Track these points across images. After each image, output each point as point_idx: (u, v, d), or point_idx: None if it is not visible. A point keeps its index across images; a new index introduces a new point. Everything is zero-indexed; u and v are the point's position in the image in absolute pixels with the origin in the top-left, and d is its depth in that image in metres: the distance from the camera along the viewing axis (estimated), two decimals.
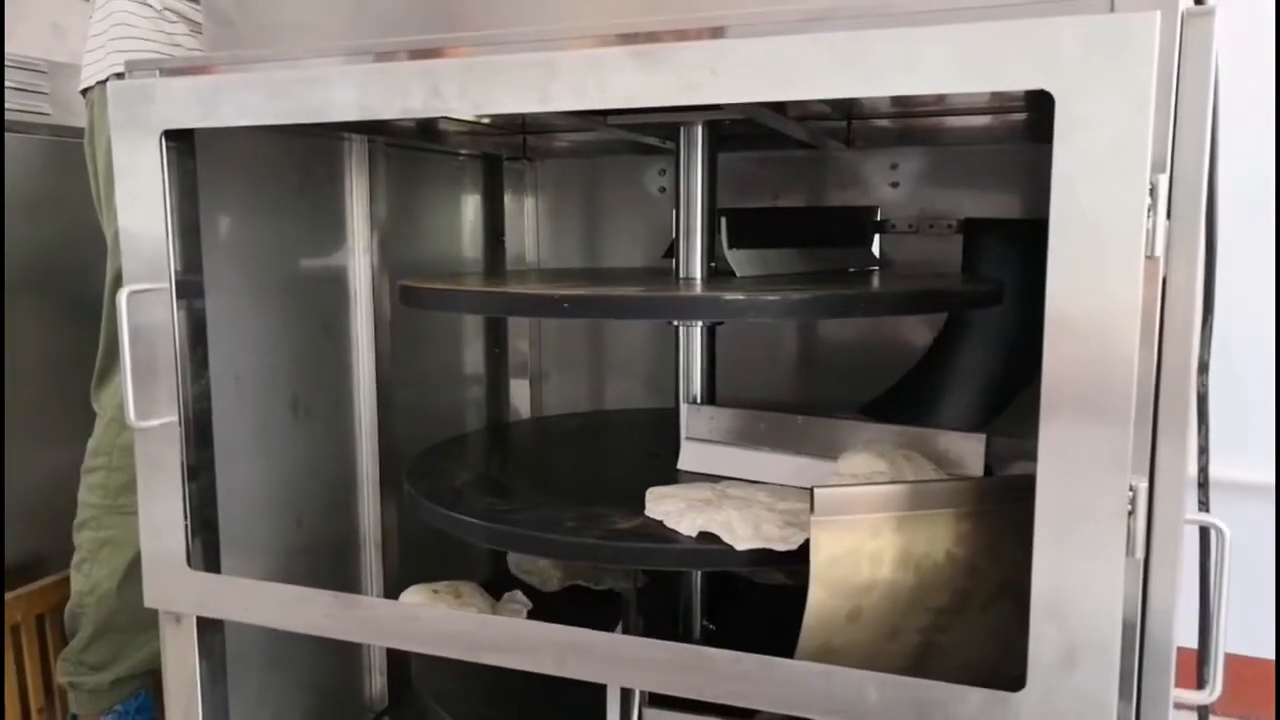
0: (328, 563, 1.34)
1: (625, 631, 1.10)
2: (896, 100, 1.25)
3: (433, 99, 0.87)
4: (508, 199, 1.69)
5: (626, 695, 0.93)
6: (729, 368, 1.26)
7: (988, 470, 1.05)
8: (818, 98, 0.78)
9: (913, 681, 0.79)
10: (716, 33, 0.80)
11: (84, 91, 1.43)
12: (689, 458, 1.16)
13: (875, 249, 1.46)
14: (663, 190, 1.60)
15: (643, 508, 1.00)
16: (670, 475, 1.13)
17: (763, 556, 0.90)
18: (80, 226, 1.54)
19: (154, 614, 1.09)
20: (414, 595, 1.17)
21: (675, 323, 1.21)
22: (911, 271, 1.42)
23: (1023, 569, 0.74)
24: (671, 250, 1.23)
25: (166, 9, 1.35)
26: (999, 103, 1.25)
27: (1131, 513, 0.72)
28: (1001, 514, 0.86)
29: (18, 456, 1.65)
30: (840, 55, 0.75)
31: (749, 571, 1.34)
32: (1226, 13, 0.71)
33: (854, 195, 1.49)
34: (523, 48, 0.85)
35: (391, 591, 1.40)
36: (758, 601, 1.35)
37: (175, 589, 1.05)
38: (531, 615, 1.24)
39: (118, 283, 1.01)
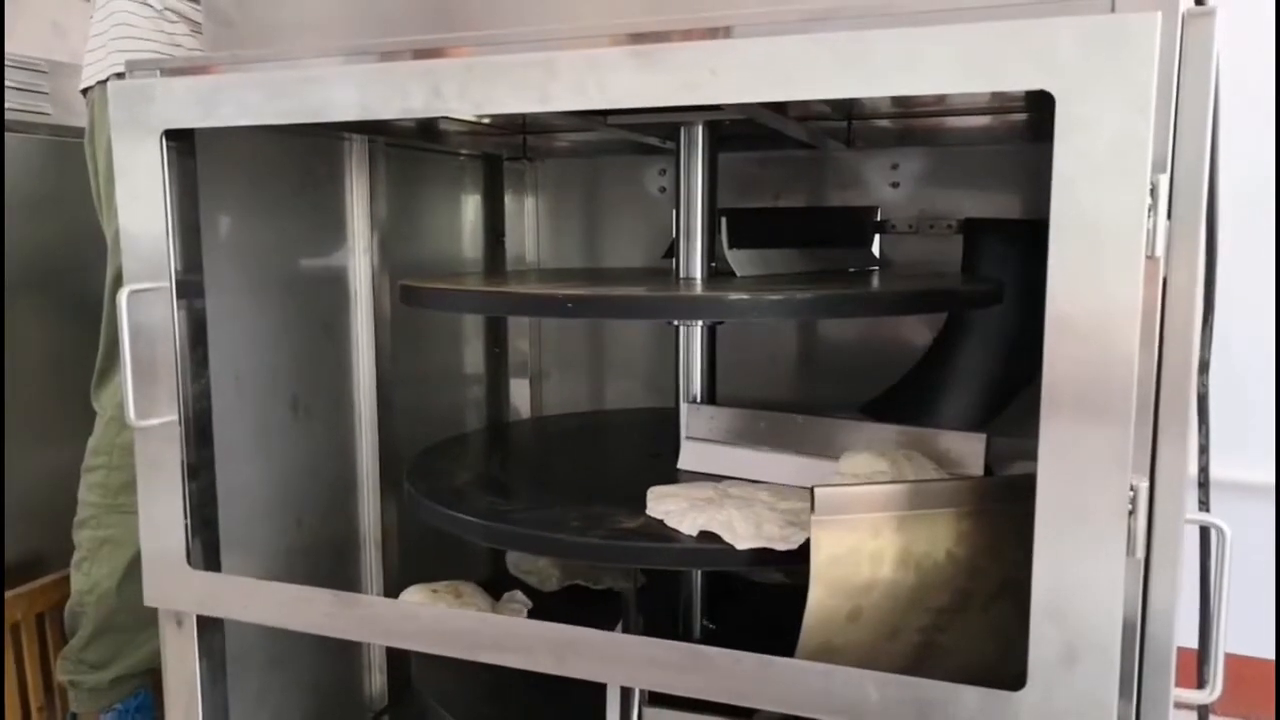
0: (328, 562, 1.34)
1: (625, 630, 1.10)
2: (897, 100, 1.25)
3: (433, 99, 0.87)
4: (508, 199, 1.69)
5: (626, 694, 0.93)
6: (729, 367, 1.26)
7: (988, 470, 1.05)
8: (818, 98, 0.77)
9: (913, 681, 0.79)
10: (717, 33, 0.80)
11: (84, 91, 1.43)
12: (689, 457, 1.16)
13: (875, 249, 1.46)
14: (663, 190, 1.60)
15: (644, 507, 1.00)
16: (670, 475, 1.13)
17: (764, 556, 0.90)
18: (80, 226, 1.54)
19: (154, 613, 1.09)
20: (414, 595, 1.17)
21: (675, 322, 1.21)
22: (911, 271, 1.42)
23: (1023, 568, 0.74)
24: (672, 250, 1.23)
25: (167, 9, 1.35)
26: (999, 103, 1.25)
27: (1132, 512, 0.72)
28: (1002, 513, 0.86)
29: (18, 456, 1.65)
30: (841, 55, 0.75)
31: (749, 571, 1.34)
32: (1227, 13, 0.71)
33: (854, 195, 1.49)
34: (523, 47, 0.85)
35: (391, 591, 1.40)
36: (758, 601, 1.35)
37: (175, 588, 1.05)
38: (531, 615, 1.24)
39: (118, 282, 1.01)
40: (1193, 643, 0.95)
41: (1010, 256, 1.33)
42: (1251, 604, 1.65)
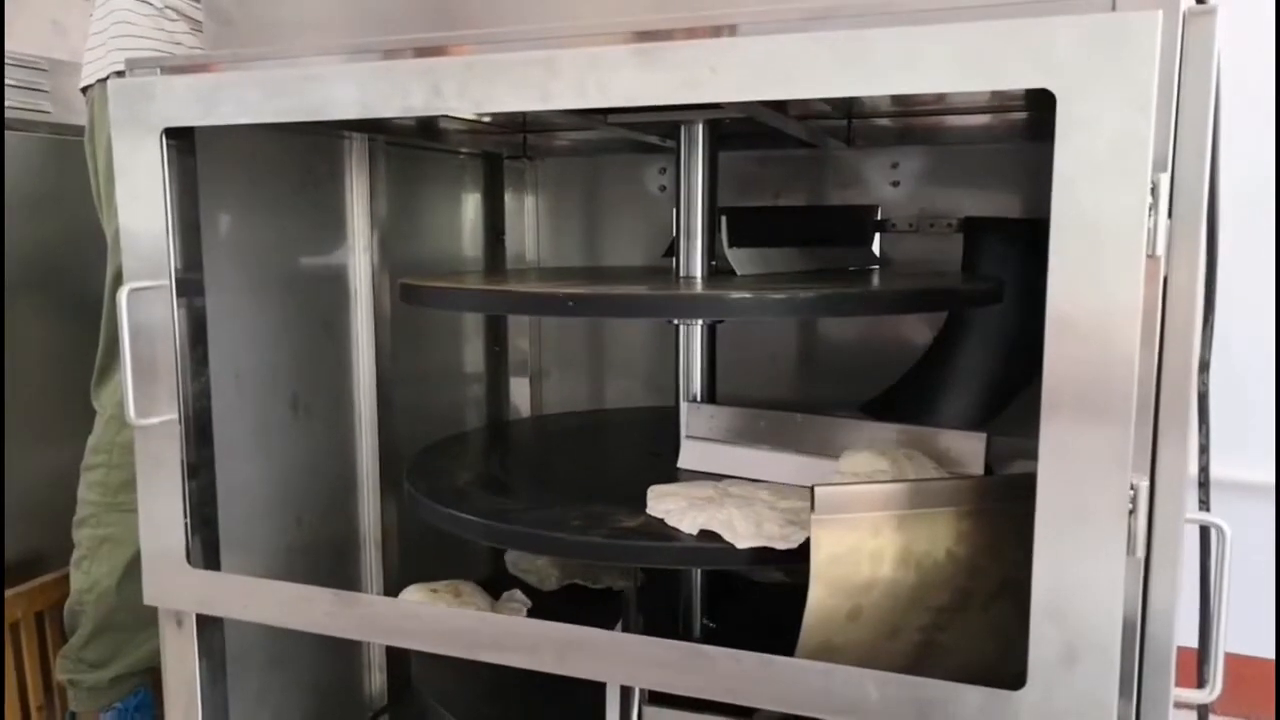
0: (327, 561, 1.34)
1: (625, 629, 1.10)
2: (897, 99, 1.25)
3: (433, 97, 0.87)
4: (508, 197, 1.69)
5: (626, 693, 0.93)
6: (729, 366, 1.26)
7: (988, 469, 1.05)
8: (819, 96, 0.77)
9: (913, 680, 0.79)
10: (717, 31, 0.79)
11: (84, 89, 1.43)
12: (689, 456, 1.16)
13: (875, 248, 1.46)
14: (663, 189, 1.60)
15: (645, 506, 1.00)
16: (670, 474, 1.13)
17: (764, 555, 0.90)
18: (80, 224, 1.54)
19: (153, 611, 1.09)
20: (413, 594, 1.17)
21: (676, 321, 1.21)
22: (911, 270, 1.42)
23: (1023, 568, 0.74)
24: (672, 249, 1.23)
25: (167, 7, 1.35)
26: (999, 102, 1.24)
27: (1132, 512, 0.72)
28: (1002, 513, 0.86)
29: (18, 454, 1.65)
30: (841, 54, 0.75)
31: (748, 570, 1.34)
32: (1227, 12, 0.71)
33: (854, 194, 1.49)
34: (523, 46, 0.85)
35: (391, 590, 1.40)
36: (758, 600, 1.35)
37: (175, 587, 1.05)
38: (530, 614, 1.24)
39: (118, 280, 1.01)
40: (1193, 642, 0.95)
41: (1010, 255, 1.33)
42: (1251, 604, 1.65)
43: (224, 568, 1.09)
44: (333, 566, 1.35)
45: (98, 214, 1.44)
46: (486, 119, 1.40)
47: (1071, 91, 0.69)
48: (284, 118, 0.93)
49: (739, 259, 1.12)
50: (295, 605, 1.02)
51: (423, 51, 0.89)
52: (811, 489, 0.84)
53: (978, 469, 1.05)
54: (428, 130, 1.45)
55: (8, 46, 1.72)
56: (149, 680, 1.52)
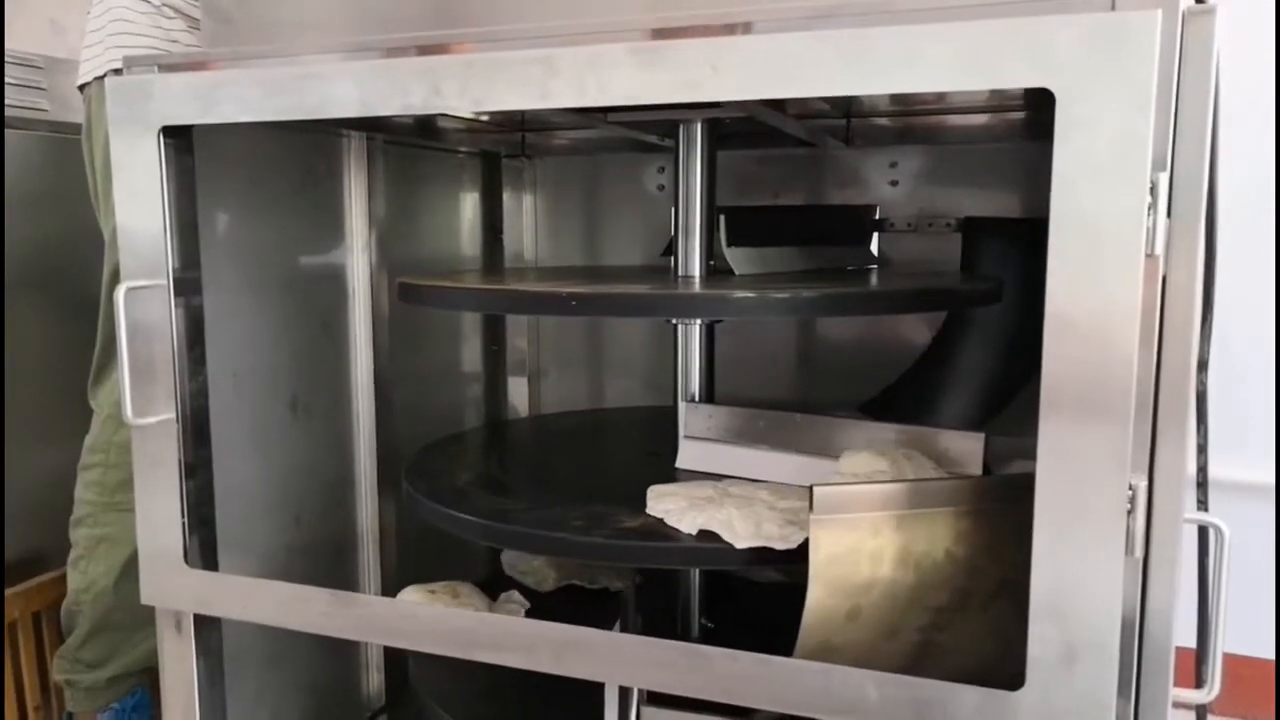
0: (326, 561, 1.34)
1: (623, 630, 1.10)
2: (896, 98, 1.25)
3: (433, 96, 0.87)
4: (506, 196, 1.68)
5: (625, 694, 0.93)
6: (727, 366, 1.26)
7: (986, 469, 1.05)
8: (818, 95, 0.77)
9: (911, 680, 0.79)
10: (717, 30, 0.79)
11: (82, 87, 1.43)
12: (688, 456, 1.16)
13: (874, 247, 1.46)
14: (661, 188, 1.60)
15: (644, 506, 0.99)
16: (669, 474, 1.12)
17: (763, 555, 0.90)
18: (79, 223, 1.54)
19: (151, 611, 1.09)
20: (411, 596, 1.17)
21: (674, 321, 1.21)
22: (910, 270, 1.42)
23: (1022, 568, 0.74)
24: (670, 248, 1.23)
25: (165, 4, 1.35)
26: (998, 101, 1.24)
27: (1131, 512, 0.72)
28: (1001, 513, 0.86)
29: (16, 454, 1.65)
30: (841, 53, 0.74)
31: (747, 570, 1.34)
32: (1227, 12, 0.71)
33: (853, 193, 1.49)
34: (523, 44, 0.84)
35: (389, 590, 1.40)
36: (757, 599, 1.35)
37: (172, 587, 1.05)
38: (528, 615, 1.24)
39: (115, 279, 1.01)
40: (1191, 642, 0.95)
41: (1009, 255, 1.33)
42: (1250, 604, 1.65)
43: (222, 568, 1.09)
44: (331, 566, 1.35)
45: (95, 212, 1.44)
46: (485, 118, 1.40)
47: (1071, 91, 0.69)
48: (282, 116, 0.93)
49: (737, 258, 1.12)
50: (293, 605, 1.01)
51: (422, 50, 0.89)
52: (810, 489, 0.83)
53: (976, 469, 1.05)
54: (426, 129, 1.45)
55: (6, 45, 1.71)
56: (146, 680, 1.52)
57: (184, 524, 1.03)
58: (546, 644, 0.90)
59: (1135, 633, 0.75)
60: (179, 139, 1.00)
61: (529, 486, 1.19)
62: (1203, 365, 0.97)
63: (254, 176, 1.19)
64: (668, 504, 0.98)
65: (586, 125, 1.34)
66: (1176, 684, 0.77)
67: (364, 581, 1.41)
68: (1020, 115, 1.30)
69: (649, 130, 1.29)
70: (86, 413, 1.48)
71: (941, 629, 0.87)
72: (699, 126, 1.15)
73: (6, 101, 1.67)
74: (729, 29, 0.79)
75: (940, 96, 1.22)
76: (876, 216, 1.46)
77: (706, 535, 0.93)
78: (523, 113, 1.38)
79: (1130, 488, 0.71)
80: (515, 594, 1.29)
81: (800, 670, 0.82)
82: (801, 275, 1.17)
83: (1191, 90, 0.70)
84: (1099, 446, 0.71)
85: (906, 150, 1.45)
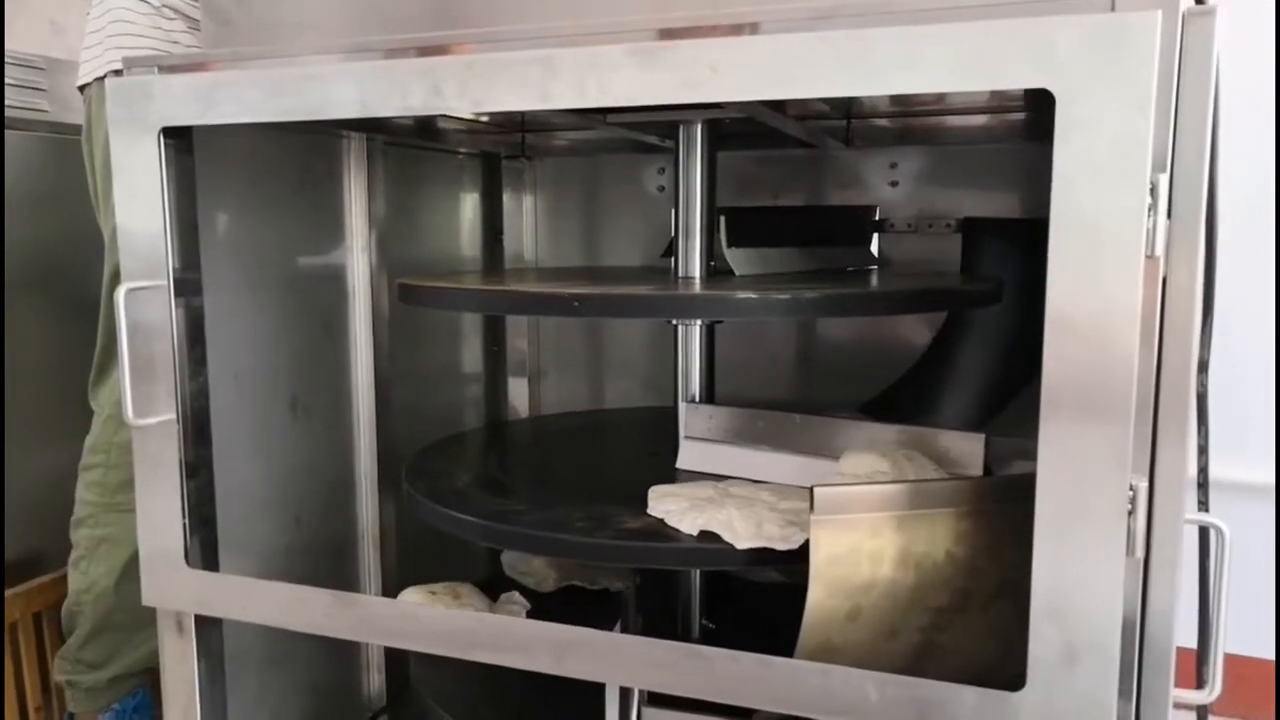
0: (326, 561, 1.34)
1: (624, 630, 1.10)
2: (896, 99, 1.25)
3: (433, 97, 0.87)
4: (506, 197, 1.69)
5: (625, 694, 0.93)
6: (727, 366, 1.26)
7: (987, 470, 1.05)
8: (818, 96, 0.77)
9: (912, 681, 0.79)
10: (717, 31, 0.79)
11: (82, 88, 1.43)
12: (688, 457, 1.16)
13: (874, 248, 1.46)
14: (662, 189, 1.60)
15: (645, 507, 0.99)
16: (669, 474, 1.12)
17: (764, 556, 0.90)
18: (79, 224, 1.54)
19: (152, 612, 1.09)
20: (411, 597, 1.17)
21: (674, 321, 1.21)
22: (910, 271, 1.42)
23: (1022, 568, 0.74)
24: (670, 249, 1.23)
25: (165, 5, 1.35)
26: (998, 102, 1.24)
27: (1131, 512, 0.72)
28: (1001, 513, 0.86)
29: (17, 454, 1.65)
30: (841, 54, 0.74)
31: (748, 570, 1.34)
32: (1227, 12, 0.71)
33: (853, 194, 1.49)
34: (523, 45, 0.85)
35: (390, 590, 1.40)
36: (757, 600, 1.35)
37: (173, 587, 1.05)
38: (529, 616, 1.24)
39: (115, 280, 1.01)
40: (1192, 643, 0.95)
41: (1009, 256, 1.33)
42: (1251, 604, 1.65)
43: (222, 568, 1.09)
44: (331, 567, 1.35)
45: (95, 213, 1.44)
46: (485, 119, 1.40)
47: (1071, 92, 0.69)
48: (282, 117, 0.93)
49: (738, 259, 1.12)
50: (293, 606, 1.01)
51: (422, 51, 0.89)
52: (811, 489, 0.83)
53: (977, 470, 1.05)
54: (426, 130, 1.45)
55: (6, 45, 1.72)
56: (147, 681, 1.52)
57: (185, 524, 1.03)
58: (547, 645, 0.91)
59: (1136, 633, 0.75)
60: (179, 140, 1.00)
61: (529, 487, 1.19)
62: (1203, 366, 0.97)
63: (254, 177, 1.19)
64: (669, 504, 0.98)
65: (586, 126, 1.34)
66: (1177, 684, 0.77)
67: (364, 582, 1.41)
68: (1020, 116, 1.30)
69: (649, 131, 1.29)
70: (87, 413, 1.48)
71: (942, 629, 0.87)
72: (699, 127, 1.15)
73: (6, 102, 1.67)
74: (727, 30, 0.79)
75: (940, 97, 1.22)
76: (876, 217, 1.46)
77: (707, 536, 0.93)
78: (523, 114, 1.38)
79: (1131, 488, 0.71)
80: (516, 595, 1.29)
81: (801, 671, 0.82)
82: (802, 276, 1.17)
83: (1192, 91, 0.70)
84: (1100, 447, 0.71)
85: (906, 151, 1.45)
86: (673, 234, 1.20)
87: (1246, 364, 1.79)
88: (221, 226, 1.13)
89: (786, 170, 1.52)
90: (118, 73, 1.00)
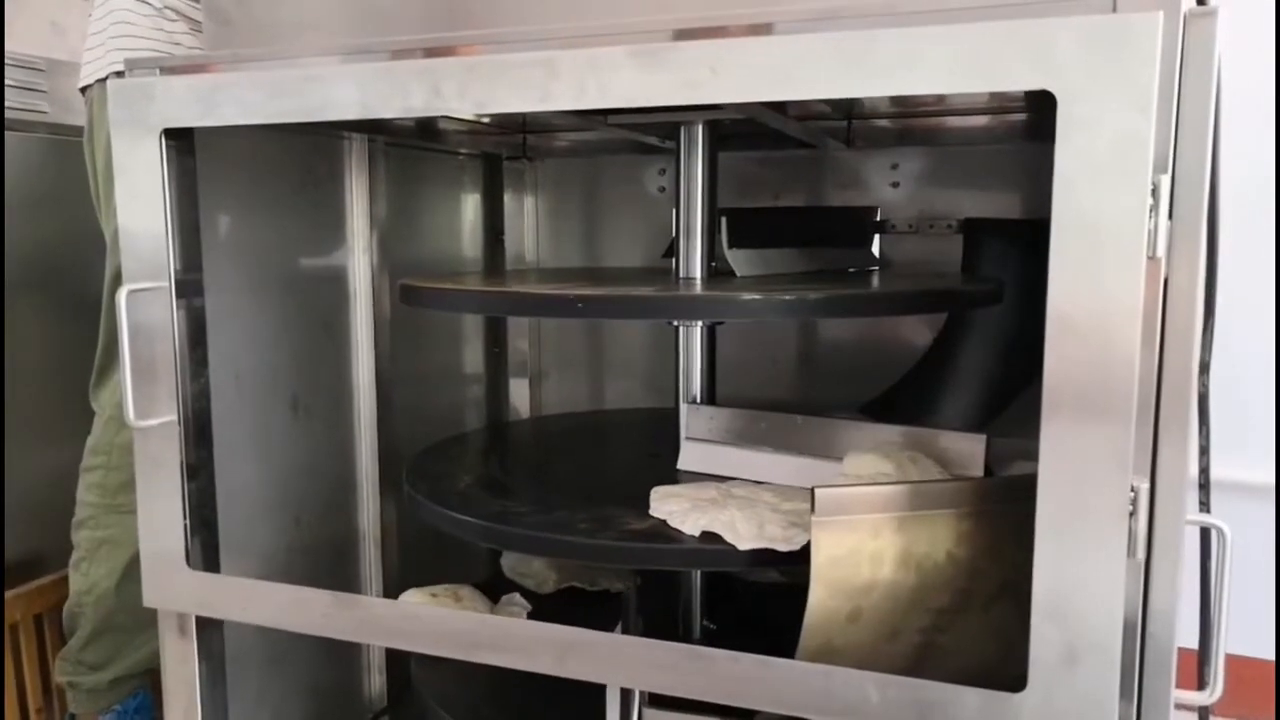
0: (327, 562, 1.34)
1: (625, 631, 1.10)
2: (897, 100, 1.25)
3: (433, 98, 0.87)
4: (507, 198, 1.69)
5: (626, 695, 0.93)
6: (728, 367, 1.26)
7: (988, 470, 1.05)
8: (818, 97, 0.77)
9: (913, 682, 0.79)
10: (717, 32, 0.79)
11: (83, 89, 1.43)
12: (689, 458, 1.16)
13: (875, 249, 1.46)
14: (662, 190, 1.60)
15: (647, 508, 0.99)
16: (670, 476, 1.12)
17: (765, 557, 0.90)
18: (79, 225, 1.54)
19: (153, 613, 1.09)
20: (413, 599, 1.17)
21: (676, 322, 1.21)
22: (911, 272, 1.42)
23: (1024, 569, 0.74)
24: (671, 250, 1.23)
25: (166, 7, 1.35)
26: (999, 103, 1.24)
27: (1133, 513, 0.72)
28: (1002, 514, 0.86)
29: (17, 455, 1.65)
30: (842, 55, 0.74)
31: (747, 571, 1.34)
32: (1228, 13, 0.71)
33: (854, 195, 1.49)
34: (523, 47, 0.85)
35: (391, 591, 1.40)
36: (759, 601, 1.35)
37: (174, 588, 1.05)
38: (529, 617, 1.24)
39: (117, 281, 1.01)
40: (1193, 644, 0.95)
41: (1010, 256, 1.33)
42: (1251, 604, 1.65)
43: (223, 569, 1.09)
44: (332, 567, 1.35)
45: (96, 214, 1.44)
46: (486, 120, 1.40)
47: (1072, 93, 0.69)
48: (284, 118, 0.93)
49: (739, 260, 1.12)
50: (295, 607, 1.01)
51: (423, 52, 0.89)
52: (812, 491, 0.84)
53: (977, 470, 1.05)
54: (427, 131, 1.45)
55: (7, 47, 1.72)
56: (148, 682, 1.52)
57: (186, 526, 1.03)
58: (548, 646, 0.91)
59: (1137, 634, 0.75)
60: (180, 141, 1.00)
61: (531, 488, 1.19)
62: (1204, 367, 0.97)
63: (256, 178, 1.19)
64: (671, 505, 0.98)
65: (587, 127, 1.34)
66: (1178, 685, 0.77)
67: (365, 582, 1.41)
68: (1021, 117, 1.30)
69: (650, 132, 1.29)
70: (87, 414, 1.48)
71: (943, 630, 0.87)
72: (700, 128, 1.15)
73: (7, 103, 1.67)
74: (728, 31, 0.79)
75: (941, 98, 1.22)
76: (877, 218, 1.46)
77: (709, 537, 0.93)
78: (524, 115, 1.38)
79: (1132, 489, 0.71)
80: (517, 596, 1.30)
81: (802, 672, 0.82)
82: (803, 277, 1.17)
83: (1193, 92, 0.70)
84: (1101, 448, 0.71)
85: (907, 152, 1.45)
86: (674, 235, 1.20)
87: (1246, 364, 1.78)
88: (223, 228, 1.13)
89: (787, 171, 1.52)
90: (119, 74, 1.00)
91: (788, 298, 0.94)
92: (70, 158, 1.54)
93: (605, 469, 1.32)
